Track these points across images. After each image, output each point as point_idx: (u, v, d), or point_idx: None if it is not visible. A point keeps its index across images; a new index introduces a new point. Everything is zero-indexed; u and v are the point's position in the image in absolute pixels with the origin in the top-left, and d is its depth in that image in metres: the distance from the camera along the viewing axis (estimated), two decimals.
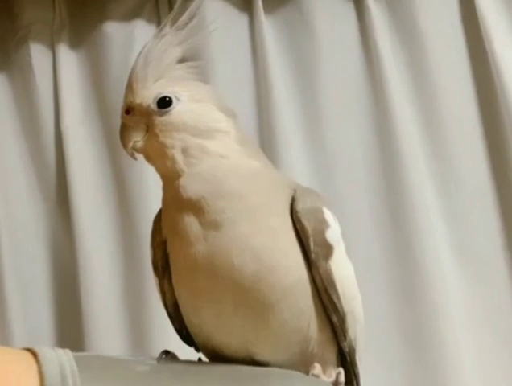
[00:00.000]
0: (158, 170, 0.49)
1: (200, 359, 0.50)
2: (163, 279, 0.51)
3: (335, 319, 0.48)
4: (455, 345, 0.89)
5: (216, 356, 0.48)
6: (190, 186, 0.46)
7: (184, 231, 0.46)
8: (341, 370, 0.49)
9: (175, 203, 0.47)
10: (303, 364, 0.47)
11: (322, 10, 1.01)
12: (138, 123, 0.49)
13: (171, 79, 0.49)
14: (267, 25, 1.03)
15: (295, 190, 0.48)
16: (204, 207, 0.45)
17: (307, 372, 0.47)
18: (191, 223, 0.45)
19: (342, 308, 0.48)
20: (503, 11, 0.95)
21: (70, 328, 1.03)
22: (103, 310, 0.99)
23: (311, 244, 0.46)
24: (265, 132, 1.00)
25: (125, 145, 0.49)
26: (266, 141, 0.99)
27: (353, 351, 0.51)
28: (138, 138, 0.49)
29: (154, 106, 0.48)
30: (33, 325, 1.04)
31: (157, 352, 0.48)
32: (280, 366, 0.46)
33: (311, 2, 1.02)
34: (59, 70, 1.07)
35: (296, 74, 1.02)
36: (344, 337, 0.49)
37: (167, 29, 0.49)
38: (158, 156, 0.48)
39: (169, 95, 0.48)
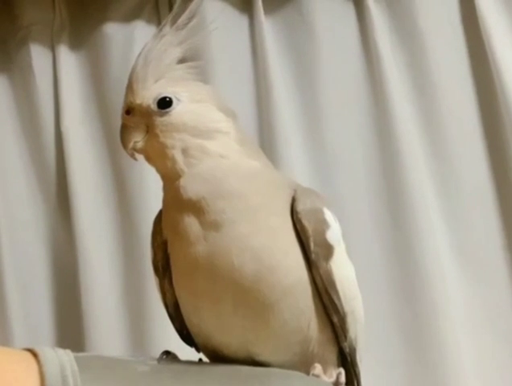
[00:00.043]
0: (159, 171, 0.49)
1: (200, 360, 0.50)
2: (163, 279, 0.51)
3: (335, 319, 0.48)
4: (455, 345, 0.89)
5: (217, 356, 0.48)
6: (190, 187, 0.46)
7: (184, 231, 0.46)
8: (342, 370, 0.50)
9: (176, 203, 0.47)
10: (303, 364, 0.47)
11: (322, 10, 1.01)
12: (138, 123, 0.49)
13: (171, 79, 0.49)
14: (267, 25, 1.03)
15: (295, 191, 0.48)
16: (204, 208, 0.45)
17: (307, 372, 0.47)
18: (191, 223, 0.45)
19: (343, 308, 0.48)
20: (503, 11, 0.95)
21: (70, 328, 1.03)
22: (103, 310, 0.99)
23: (312, 245, 0.46)
24: (265, 132, 1.00)
25: (125, 146, 0.50)
26: (266, 141, 0.99)
27: (353, 351, 0.51)
28: (138, 139, 0.49)
29: (154, 106, 0.48)
30: (33, 325, 1.04)
31: (157, 352, 0.48)
32: (280, 366, 0.46)
33: (311, 3, 1.02)
34: (60, 70, 1.07)
35: (296, 74, 1.02)
36: (345, 337, 0.49)
37: (167, 29, 0.49)
38: (158, 156, 0.48)
39: (169, 95, 0.48)
